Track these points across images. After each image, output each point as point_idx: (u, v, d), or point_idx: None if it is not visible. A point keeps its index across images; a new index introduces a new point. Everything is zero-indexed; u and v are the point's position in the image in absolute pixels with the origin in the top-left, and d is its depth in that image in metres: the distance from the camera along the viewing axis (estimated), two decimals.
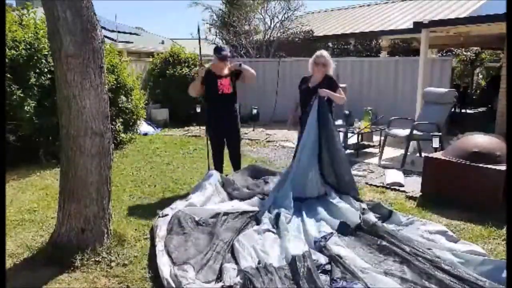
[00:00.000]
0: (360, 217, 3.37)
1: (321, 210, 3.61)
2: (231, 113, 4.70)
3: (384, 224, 3.32)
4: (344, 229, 3.28)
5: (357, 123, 6.71)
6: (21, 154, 5.40)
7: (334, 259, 2.75)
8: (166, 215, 3.52)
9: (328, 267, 2.70)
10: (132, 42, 14.67)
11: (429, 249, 2.89)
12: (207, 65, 4.93)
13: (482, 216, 3.69)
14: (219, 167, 4.75)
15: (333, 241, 3.04)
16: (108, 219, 3.12)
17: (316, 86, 4.27)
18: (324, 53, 4.43)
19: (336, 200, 3.75)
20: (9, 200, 4.17)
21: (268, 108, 9.70)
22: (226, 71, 4.61)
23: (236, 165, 4.87)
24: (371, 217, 3.41)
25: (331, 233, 3.17)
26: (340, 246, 2.96)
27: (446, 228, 3.31)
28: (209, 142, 4.80)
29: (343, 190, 3.91)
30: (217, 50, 4.60)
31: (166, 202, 4.25)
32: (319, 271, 2.63)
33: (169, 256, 2.85)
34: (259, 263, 2.74)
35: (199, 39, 5.01)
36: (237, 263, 2.78)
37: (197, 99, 9.57)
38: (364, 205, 3.71)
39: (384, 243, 2.99)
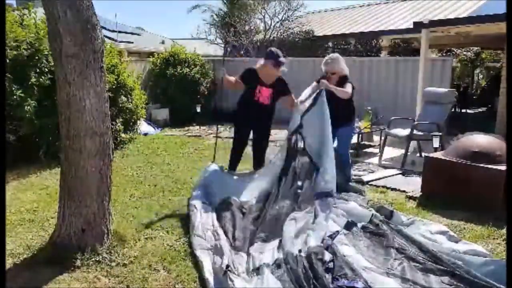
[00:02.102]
0: (372, 215, 3.37)
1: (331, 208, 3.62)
2: (262, 123, 4.41)
3: (390, 223, 3.33)
4: (350, 228, 3.28)
5: (357, 123, 6.70)
6: (21, 154, 5.40)
7: (338, 257, 2.76)
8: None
9: (331, 264, 2.70)
10: (132, 42, 14.67)
11: (432, 249, 2.89)
12: (221, 71, 4.38)
13: (482, 216, 3.69)
14: (234, 165, 4.60)
15: (339, 239, 3.05)
16: (108, 219, 3.12)
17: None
18: (331, 59, 4.27)
19: (345, 198, 3.80)
20: (9, 200, 4.17)
21: None
22: (271, 81, 4.20)
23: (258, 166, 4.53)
24: (378, 216, 3.41)
25: (337, 231, 3.19)
26: (344, 245, 2.97)
27: (447, 228, 3.31)
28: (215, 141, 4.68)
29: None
30: (273, 55, 4.05)
31: (166, 202, 4.26)
32: (323, 268, 2.65)
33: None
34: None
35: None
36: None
37: (198, 99, 9.66)
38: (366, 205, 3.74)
39: (388, 242, 2.99)
